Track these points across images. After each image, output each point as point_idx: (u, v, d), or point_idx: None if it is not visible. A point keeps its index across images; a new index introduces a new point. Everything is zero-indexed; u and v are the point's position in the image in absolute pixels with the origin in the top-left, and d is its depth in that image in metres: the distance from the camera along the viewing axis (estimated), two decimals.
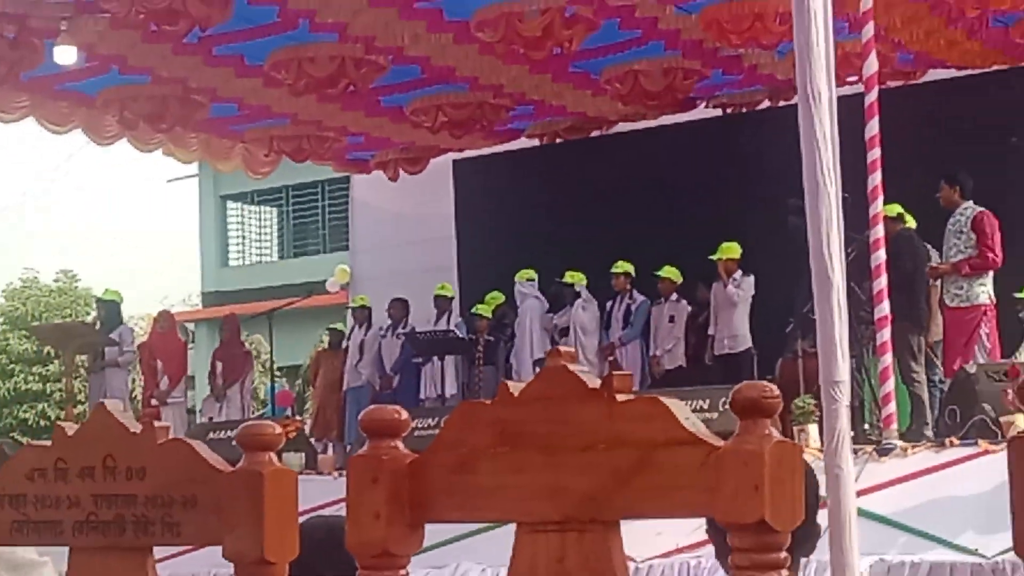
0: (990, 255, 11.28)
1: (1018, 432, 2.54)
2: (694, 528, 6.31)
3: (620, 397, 1.85)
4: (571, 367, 1.90)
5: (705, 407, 10.70)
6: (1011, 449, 1.77)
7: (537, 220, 16.20)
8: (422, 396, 15.15)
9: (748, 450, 1.75)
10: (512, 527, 1.95)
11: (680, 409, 1.82)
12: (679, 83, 13.88)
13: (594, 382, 1.88)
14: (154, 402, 15.40)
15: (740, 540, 1.78)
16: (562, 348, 1.94)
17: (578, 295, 14.56)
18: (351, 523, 2.03)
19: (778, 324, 12.33)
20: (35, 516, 2.27)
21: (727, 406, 10.29)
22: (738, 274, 13.41)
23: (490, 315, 14.84)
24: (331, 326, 17.16)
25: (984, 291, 11.32)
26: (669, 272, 14.18)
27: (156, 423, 2.22)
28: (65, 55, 12.11)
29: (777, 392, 1.79)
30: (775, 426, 1.79)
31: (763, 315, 13.32)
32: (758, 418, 1.76)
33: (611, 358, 14.27)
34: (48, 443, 2.32)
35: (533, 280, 14.98)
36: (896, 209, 11.39)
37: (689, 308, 14.20)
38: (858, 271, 9.47)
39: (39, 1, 11.30)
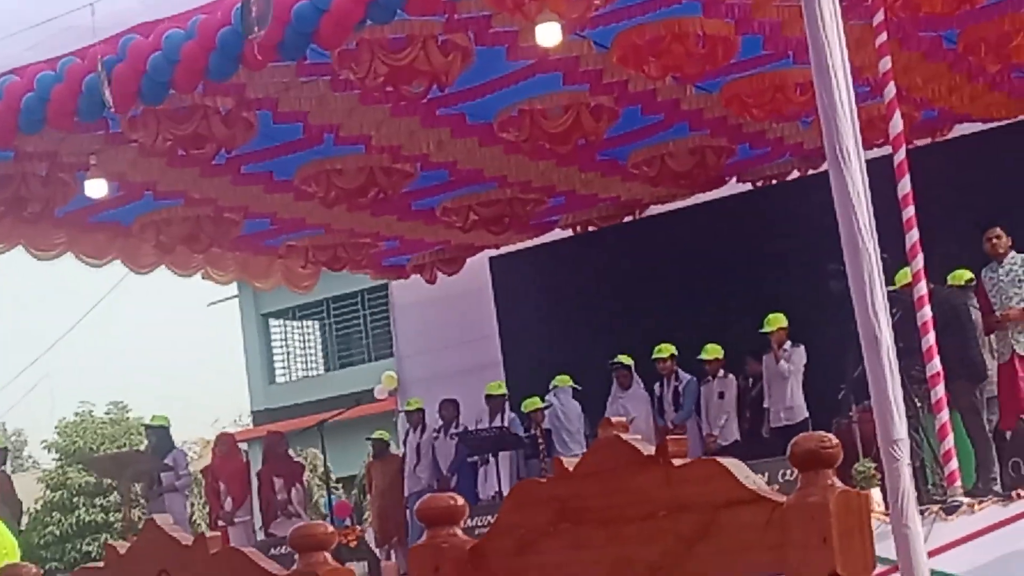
0: None
1: None
2: None
3: (677, 462, 1.81)
4: (624, 436, 1.85)
5: (764, 480, 10.54)
6: None
7: (579, 309, 16.17)
8: (480, 495, 15.01)
9: (812, 503, 1.69)
10: None
11: (739, 468, 1.78)
12: (708, 161, 13.86)
13: (649, 449, 1.83)
14: (221, 523, 15.28)
15: None
16: (613, 418, 1.90)
17: (631, 378, 14.48)
18: None
19: (831, 392, 12.17)
20: None
21: (786, 477, 10.16)
22: (788, 345, 13.32)
23: (540, 408, 14.73)
24: (370, 437, 16.76)
25: None
26: (712, 351, 14.09)
27: (207, 534, 2.19)
28: (96, 188, 11.98)
29: (836, 441, 1.74)
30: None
31: (816, 384, 13.18)
32: (819, 469, 1.71)
33: None
34: (101, 564, 2.30)
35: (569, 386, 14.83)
36: (965, 276, 11.37)
37: (737, 383, 14.12)
38: (905, 330, 9.32)
39: (67, 137, 11.33)
